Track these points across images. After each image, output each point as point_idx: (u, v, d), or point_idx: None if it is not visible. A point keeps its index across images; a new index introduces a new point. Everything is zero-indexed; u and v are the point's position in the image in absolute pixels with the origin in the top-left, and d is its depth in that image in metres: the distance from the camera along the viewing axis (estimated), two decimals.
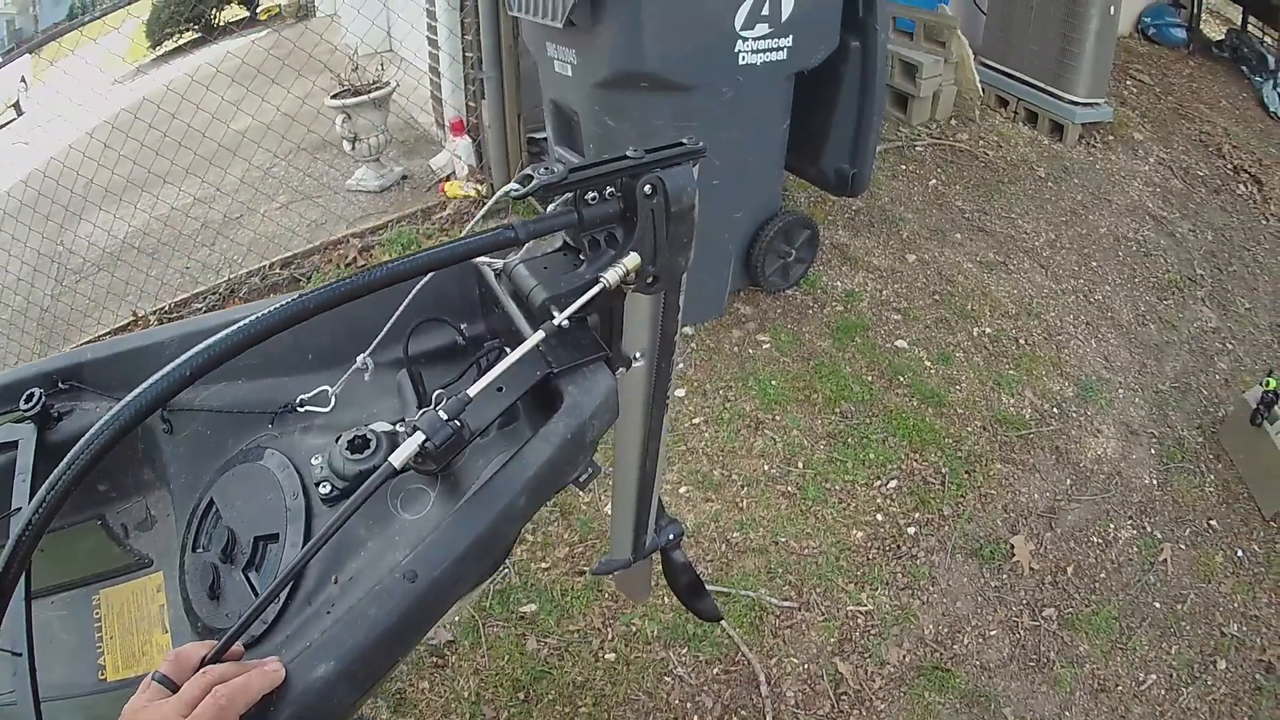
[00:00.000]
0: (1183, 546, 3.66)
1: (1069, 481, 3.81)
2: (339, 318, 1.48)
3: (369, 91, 5.41)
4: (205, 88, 4.95)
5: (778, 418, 3.87)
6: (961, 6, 6.90)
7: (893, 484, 3.64)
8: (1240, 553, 3.72)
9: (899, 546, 3.42)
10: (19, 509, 1.33)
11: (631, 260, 1.14)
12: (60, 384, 1.52)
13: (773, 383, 4.02)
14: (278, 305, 0.94)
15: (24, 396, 1.47)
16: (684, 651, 3.04)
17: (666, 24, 3.23)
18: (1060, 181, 5.87)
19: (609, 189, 1.14)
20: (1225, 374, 4.66)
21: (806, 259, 4.48)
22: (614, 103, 3.49)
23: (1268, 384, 3.94)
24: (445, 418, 1.05)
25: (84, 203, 5.10)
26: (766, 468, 3.65)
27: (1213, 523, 3.79)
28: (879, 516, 3.52)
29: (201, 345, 0.91)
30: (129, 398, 0.87)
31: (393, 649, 1.09)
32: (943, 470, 3.71)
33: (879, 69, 3.73)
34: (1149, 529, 3.70)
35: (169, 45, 17.52)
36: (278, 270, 4.89)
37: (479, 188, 5.32)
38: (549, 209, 1.13)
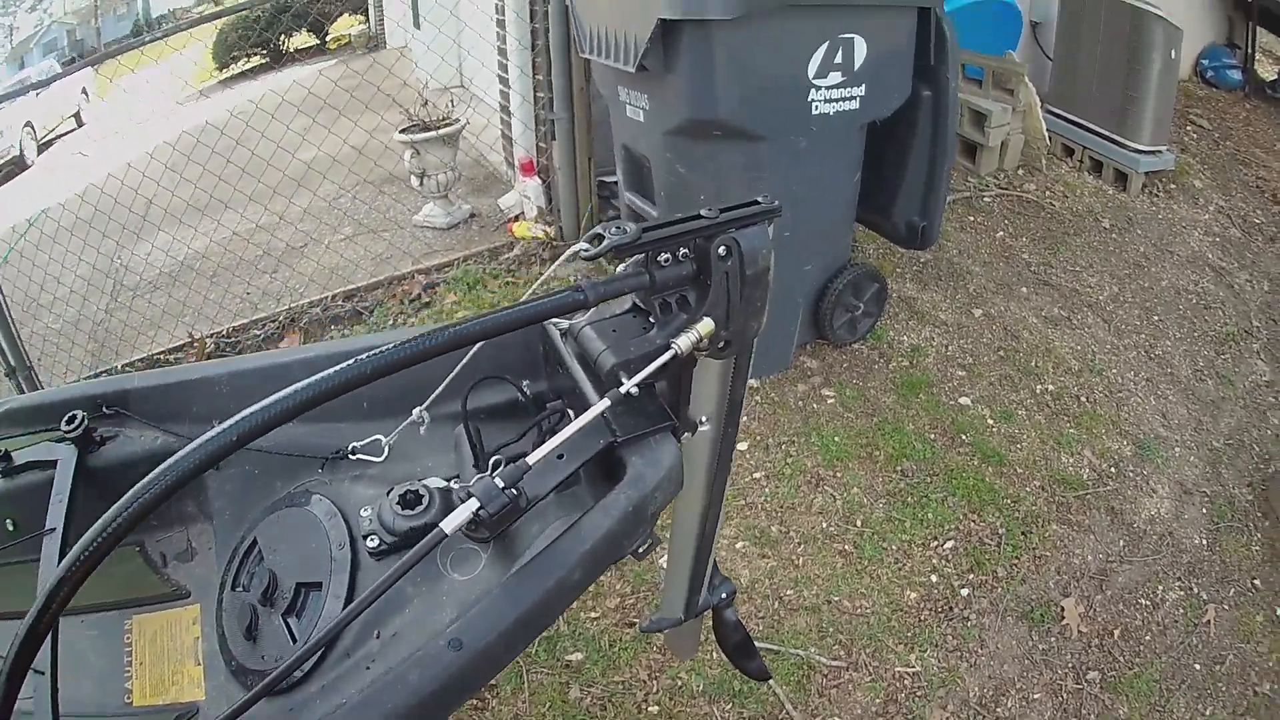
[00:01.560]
0: (1226, 607, 3.57)
1: (1122, 543, 3.73)
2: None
3: (438, 128, 5.45)
4: (271, 115, 5.01)
5: (839, 474, 3.81)
6: (1028, 52, 6.86)
7: (949, 544, 3.57)
8: None
9: (951, 608, 3.35)
10: (53, 529, 1.32)
11: (705, 326, 1.10)
12: (105, 409, 1.51)
13: (836, 439, 3.97)
14: (339, 369, 0.90)
15: (66, 418, 1.45)
16: (728, 708, 2.98)
17: (739, 71, 3.21)
18: (1124, 233, 5.79)
19: (682, 250, 1.11)
20: (1277, 429, 4.55)
21: (874, 313, 4.43)
22: (685, 150, 3.47)
23: None
24: (501, 485, 1.02)
25: (143, 222, 5.14)
26: (825, 525, 3.60)
27: (1256, 582, 3.70)
28: (934, 577, 3.45)
29: (256, 409, 0.88)
30: (180, 456, 0.87)
31: (430, 716, 1.05)
32: (1000, 531, 3.64)
33: (950, 118, 3.69)
34: (1195, 589, 3.61)
35: (235, 69, 17.83)
36: (340, 302, 4.91)
37: (548, 229, 5.32)
38: (619, 268, 1.10)
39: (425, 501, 1.29)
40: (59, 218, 5.32)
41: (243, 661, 1.27)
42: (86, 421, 1.45)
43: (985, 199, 5.92)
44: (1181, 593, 3.58)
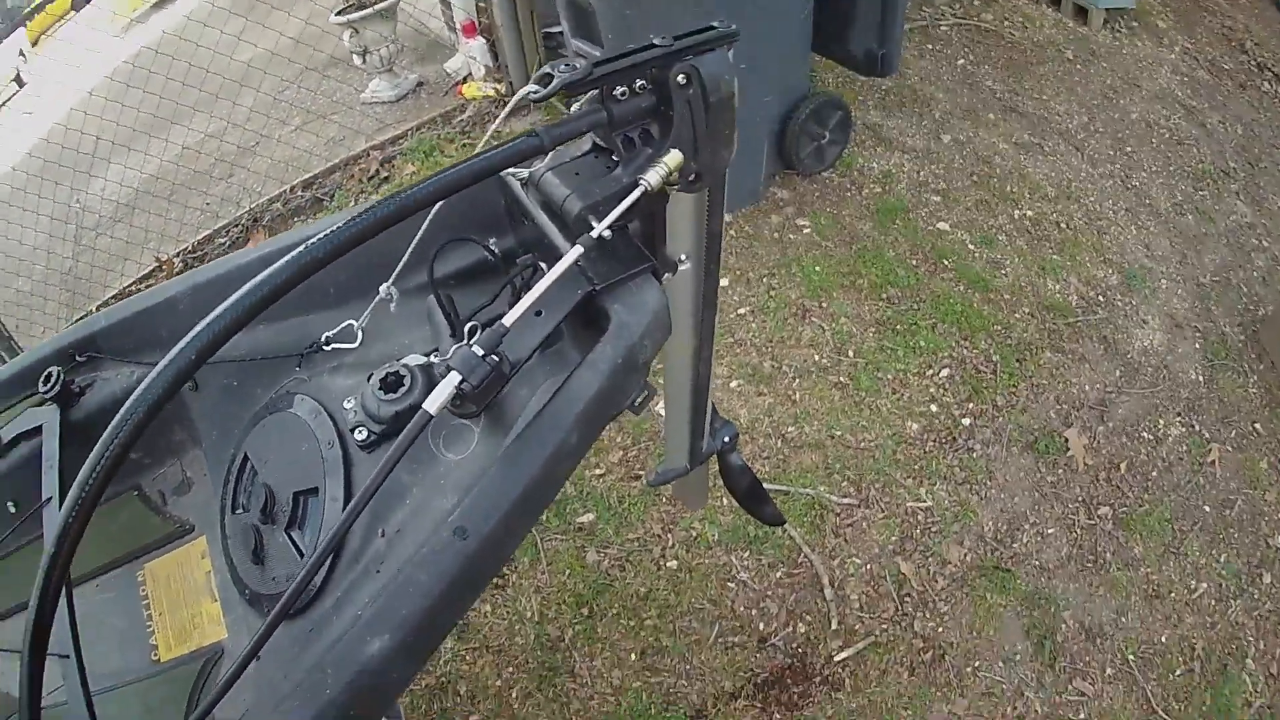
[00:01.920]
0: (1229, 449, 3.58)
1: (1118, 373, 3.74)
2: (360, 251, 1.39)
3: (374, 3, 5.30)
4: (203, 25, 4.86)
5: (824, 305, 3.80)
6: None
7: (945, 372, 3.57)
8: None
9: (955, 438, 3.36)
10: (49, 499, 1.27)
11: (673, 158, 1.03)
12: (77, 357, 1.45)
13: (816, 269, 3.95)
14: (290, 258, 0.84)
15: (42, 378, 1.39)
16: (746, 555, 3.01)
17: None
18: (1088, 65, 5.68)
19: (639, 82, 1.02)
20: (1263, 271, 4.53)
21: (840, 140, 4.38)
22: None
23: None
24: (481, 353, 0.95)
25: (93, 160, 4.97)
26: (817, 357, 3.60)
27: (1257, 426, 3.72)
28: (933, 407, 3.45)
29: (211, 319, 0.83)
30: (143, 387, 0.81)
31: (448, 614, 1.02)
32: (994, 358, 3.64)
33: None
34: (1197, 427, 3.62)
35: None
36: (299, 192, 4.84)
37: (497, 87, 5.24)
38: (574, 109, 1.02)
39: (408, 381, 1.22)
40: (12, 180, 5.29)
41: (255, 588, 1.23)
42: (62, 376, 1.39)
43: (942, 27, 5.79)
44: (1183, 429, 3.60)
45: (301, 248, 0.84)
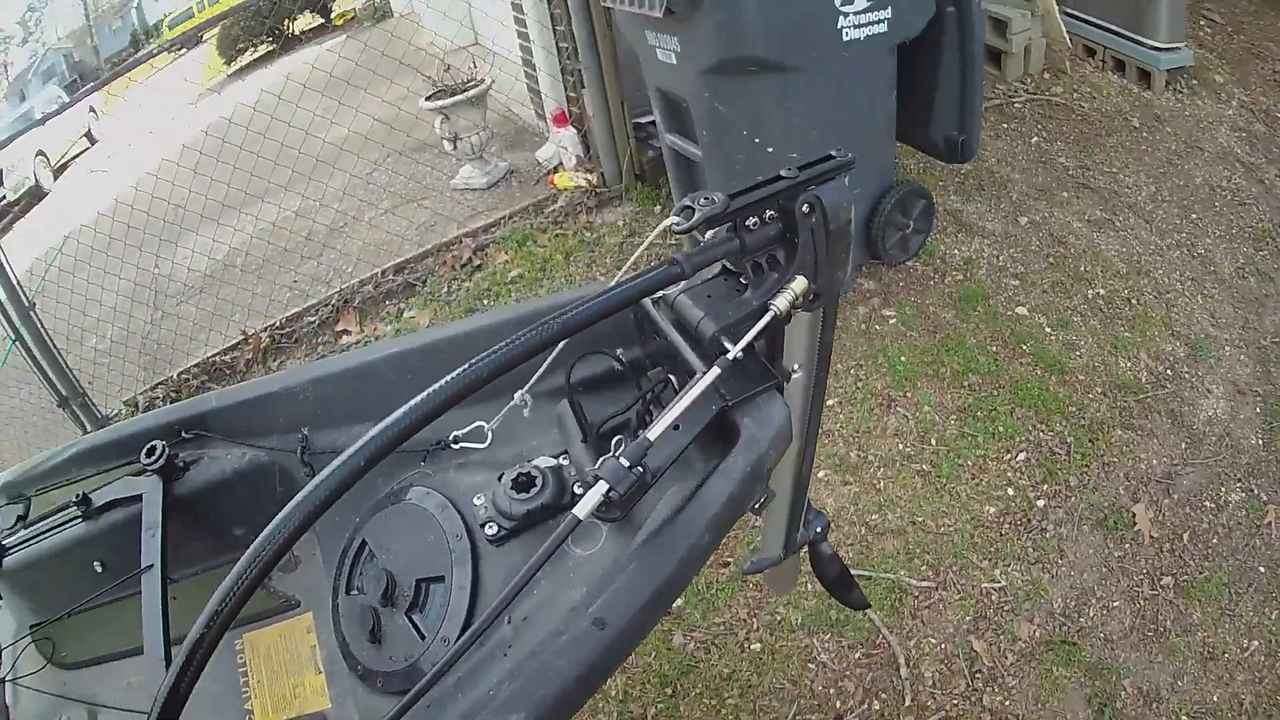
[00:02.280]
0: None
1: (1184, 445, 3.74)
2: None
3: (464, 90, 5.42)
4: (283, 100, 4.97)
5: (909, 394, 3.86)
6: None
7: (1021, 456, 3.60)
8: None
9: (1029, 520, 3.40)
10: (150, 566, 1.33)
11: (799, 285, 1.13)
12: (184, 434, 1.52)
13: (901, 358, 4.01)
14: (450, 378, 0.93)
15: (146, 449, 1.45)
16: (827, 638, 3.05)
17: (765, 6, 3.20)
18: (1154, 131, 5.71)
19: (768, 213, 1.13)
20: None
21: (924, 229, 4.44)
22: (721, 88, 3.47)
23: None
24: (628, 464, 1.03)
25: (176, 229, 5.11)
26: (901, 446, 3.65)
27: None
28: (1010, 490, 3.49)
29: (372, 435, 0.92)
30: (301, 497, 0.92)
31: (580, 698, 1.07)
32: (1068, 440, 3.66)
33: (976, 31, 3.68)
34: (1256, 491, 3.61)
35: (242, 61, 17.70)
36: (390, 276, 4.93)
37: (589, 177, 5.30)
38: (708, 235, 1.12)
39: (539, 483, 1.31)
40: (88, 240, 5.32)
41: (369, 665, 1.30)
42: (168, 450, 1.46)
43: (1016, 105, 5.87)
44: (1243, 494, 3.59)
45: (467, 367, 0.94)
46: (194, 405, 1.55)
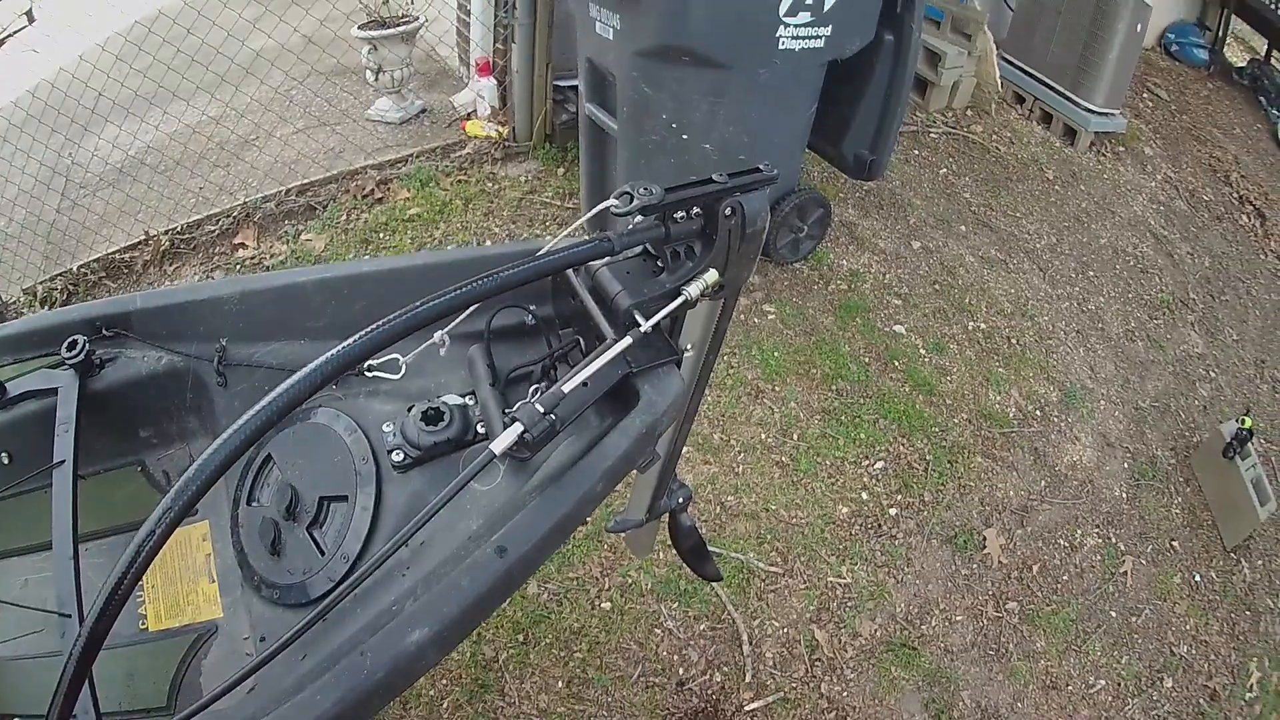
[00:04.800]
0: (1144, 562, 3.82)
1: (1044, 483, 3.96)
2: (412, 289, 1.54)
3: (398, 24, 5.36)
4: (223, 3, 4.88)
5: (777, 388, 3.98)
6: (989, 1, 6.94)
7: (879, 465, 3.78)
8: (1198, 578, 3.92)
9: (880, 525, 3.57)
10: (62, 462, 1.35)
11: (711, 276, 1.25)
12: (104, 331, 1.52)
13: (775, 354, 4.13)
14: (383, 323, 1.00)
15: (67, 343, 1.46)
16: (675, 606, 3.19)
17: (714, 3, 3.29)
18: (1067, 186, 5.96)
19: (695, 210, 1.25)
20: (1205, 400, 4.80)
21: (816, 235, 4.59)
22: (653, 72, 3.54)
23: (1243, 421, 4.11)
24: (542, 410, 1.14)
25: (93, 116, 4.97)
26: (764, 436, 3.78)
27: (1175, 544, 3.97)
28: (864, 495, 3.66)
29: (304, 374, 0.96)
30: (234, 429, 0.91)
31: (478, 617, 1.16)
32: (927, 457, 3.85)
33: (910, 65, 3.81)
34: (1114, 540, 3.86)
35: None
36: (293, 197, 4.88)
37: (500, 129, 5.31)
38: (637, 220, 1.23)
39: (447, 418, 1.39)
40: (10, 116, 5.20)
41: (266, 576, 1.34)
42: (88, 346, 1.47)
43: (932, 135, 6.05)
44: (1099, 540, 3.83)
45: (396, 317, 1.01)
46: (117, 304, 1.55)
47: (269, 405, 0.93)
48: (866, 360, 4.23)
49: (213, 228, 4.71)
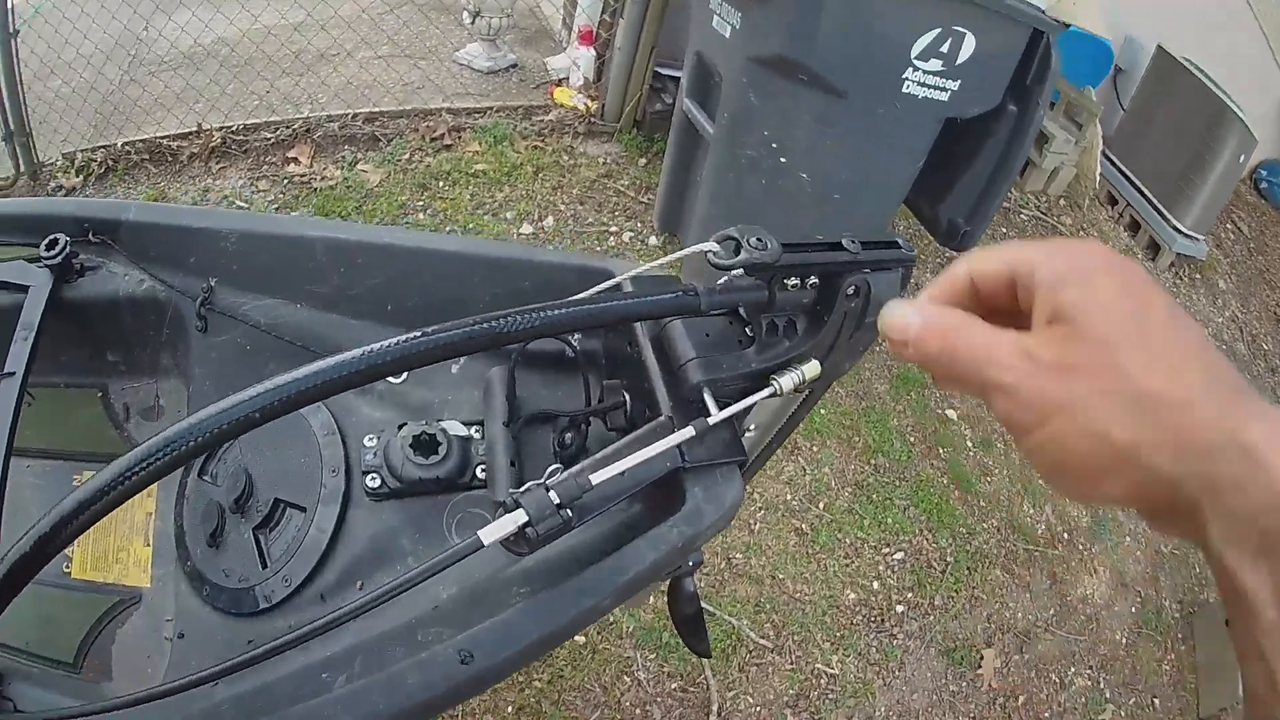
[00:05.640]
0: (1122, 714, 3.60)
1: (1053, 611, 3.75)
2: (439, 276, 1.30)
3: None
4: None
5: (815, 449, 3.78)
6: (1105, 94, 6.69)
7: (899, 556, 3.57)
8: None
9: (884, 621, 3.37)
10: (12, 374, 1.16)
11: (811, 370, 0.99)
12: (92, 235, 1.35)
13: (821, 411, 3.93)
14: (432, 335, 0.77)
15: (47, 241, 1.29)
16: (651, 657, 2.98)
17: (847, 25, 3.06)
18: None
19: (812, 280, 0.98)
20: None
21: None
22: (765, 82, 3.31)
23: None
24: (557, 502, 0.88)
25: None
26: (789, 497, 3.58)
27: (1155, 700, 3.73)
28: (875, 584, 3.45)
29: (286, 381, 0.72)
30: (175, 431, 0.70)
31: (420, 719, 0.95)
32: (948, 558, 3.65)
33: (1027, 141, 3.56)
34: (1101, 685, 3.64)
35: None
36: (359, 123, 4.70)
37: (589, 103, 5.13)
38: (730, 274, 0.96)
39: (442, 451, 1.16)
40: None
41: (199, 565, 1.16)
42: (69, 248, 1.30)
43: (1021, 216, 5.83)
44: (1088, 682, 3.61)
45: (434, 332, 0.78)
46: (110, 208, 1.38)
47: (253, 401, 0.71)
48: (912, 440, 4.02)
49: (269, 135, 4.54)
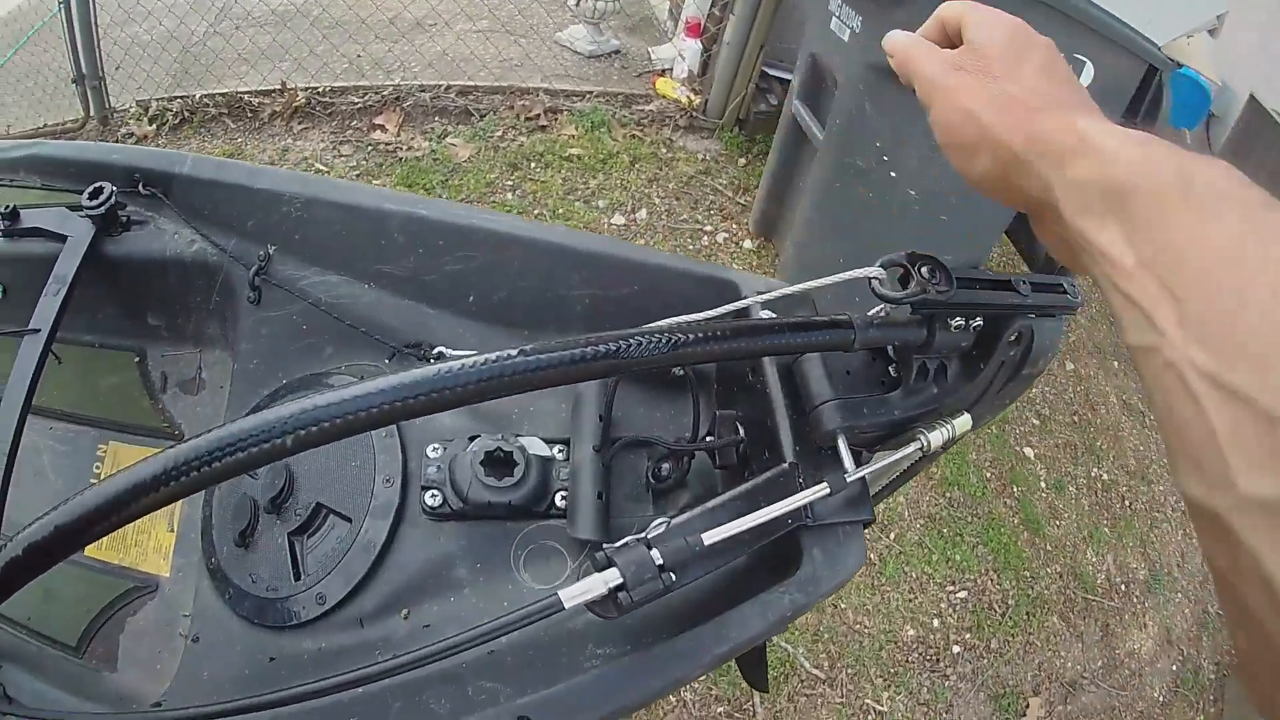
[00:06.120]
0: None
1: (1100, 663, 3.64)
2: (532, 273, 1.18)
3: None
4: None
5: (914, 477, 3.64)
6: (1199, 139, 6.50)
7: (962, 595, 3.47)
8: None
9: (939, 661, 3.27)
10: (38, 331, 1.07)
11: (963, 424, 0.87)
12: (142, 187, 1.26)
13: None
14: (512, 360, 0.64)
15: (91, 189, 1.20)
16: (701, 678, 2.84)
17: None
18: None
19: (977, 321, 0.86)
20: None
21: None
22: (881, 91, 3.21)
23: None
24: (659, 564, 0.77)
25: None
26: None
27: None
28: (936, 622, 3.35)
29: (330, 402, 0.61)
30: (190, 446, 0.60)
31: None
32: (1009, 601, 3.54)
33: None
34: None
35: None
36: (453, 95, 4.64)
37: (692, 97, 5.02)
38: (883, 305, 0.85)
39: (518, 471, 1.04)
40: None
41: (225, 567, 1.07)
42: (114, 199, 1.21)
43: None
44: None
45: (533, 351, 0.65)
46: (164, 159, 1.28)
47: (312, 414, 0.61)
48: (988, 475, 3.90)
49: (357, 100, 4.49)
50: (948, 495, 3.72)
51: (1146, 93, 3.25)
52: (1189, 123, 6.09)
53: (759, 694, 2.91)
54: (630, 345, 0.67)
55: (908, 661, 3.20)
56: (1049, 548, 3.79)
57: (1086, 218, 0.59)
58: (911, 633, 3.27)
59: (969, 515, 3.70)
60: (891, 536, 3.49)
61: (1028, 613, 3.54)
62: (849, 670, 3.08)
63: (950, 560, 3.52)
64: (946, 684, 3.20)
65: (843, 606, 3.20)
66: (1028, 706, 3.29)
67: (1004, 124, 0.69)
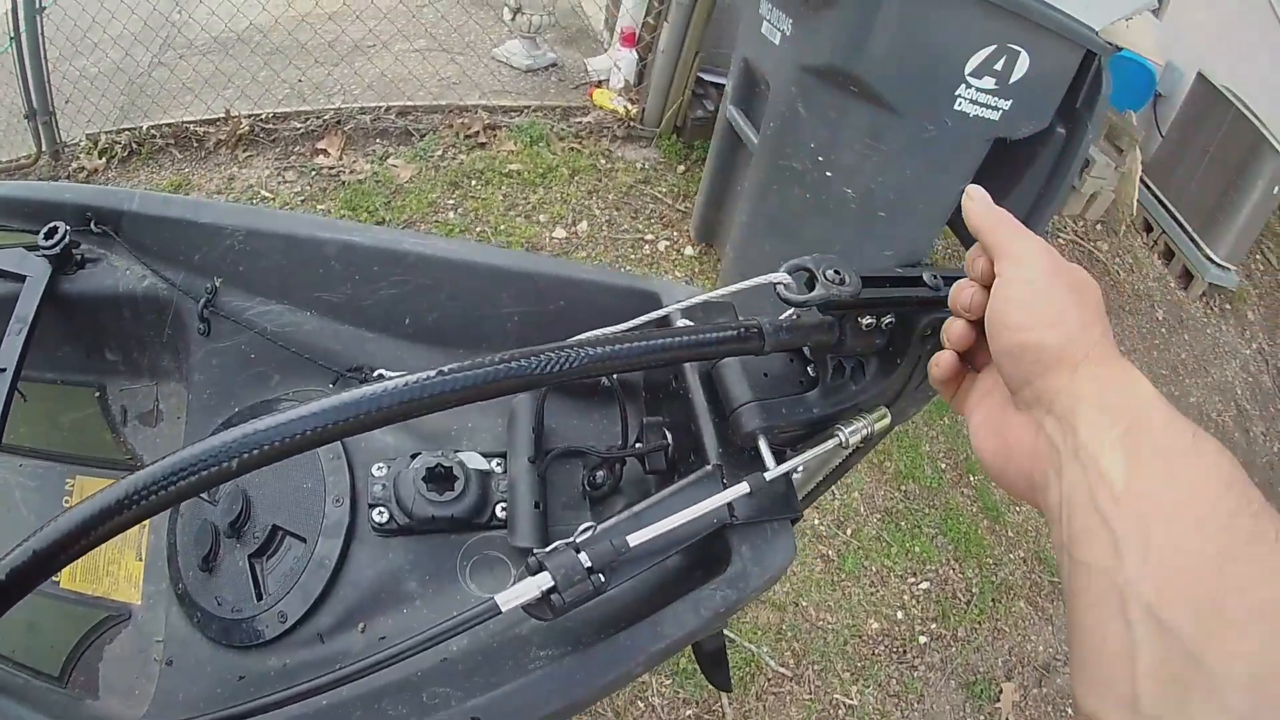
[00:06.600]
0: None
1: None
2: (464, 294, 1.21)
3: None
4: None
5: (847, 474, 3.66)
6: (1145, 119, 6.59)
7: (924, 585, 3.49)
8: None
9: (905, 652, 3.29)
10: (2, 370, 1.10)
11: (881, 422, 0.89)
12: (94, 225, 1.28)
13: None
14: (451, 376, 0.68)
15: (46, 230, 1.23)
16: (667, 683, 2.91)
17: (902, 39, 2.97)
18: (1172, 332, 5.64)
19: (888, 319, 0.88)
20: None
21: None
22: (813, 92, 3.23)
23: None
24: (588, 566, 0.80)
25: None
26: (817, 522, 3.51)
27: None
28: (899, 614, 3.38)
29: (274, 425, 0.64)
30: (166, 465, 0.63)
31: None
32: (973, 589, 3.56)
33: (1074, 165, 3.46)
34: None
35: None
36: (392, 116, 4.65)
37: (629, 106, 5.04)
38: (792, 308, 0.86)
39: (459, 486, 1.07)
40: None
41: (192, 591, 1.10)
42: (69, 238, 1.23)
43: (1059, 240, 5.75)
44: None
45: (473, 366, 0.69)
46: (114, 197, 1.30)
47: (264, 435, 0.64)
48: (943, 467, 3.93)
49: (299, 125, 4.49)
50: (903, 489, 3.75)
51: (1084, 80, 3.27)
52: (1134, 105, 6.19)
53: (727, 698, 2.93)
54: (541, 361, 0.70)
55: (874, 655, 3.22)
56: (1010, 534, 3.82)
57: (1097, 429, 0.64)
58: (876, 626, 3.29)
59: (926, 507, 3.73)
60: (848, 532, 3.51)
61: (993, 599, 3.56)
62: (815, 666, 3.10)
63: (910, 552, 3.55)
64: (916, 675, 3.23)
65: (804, 604, 3.22)
66: (1001, 692, 3.32)
67: (1030, 364, 0.74)
